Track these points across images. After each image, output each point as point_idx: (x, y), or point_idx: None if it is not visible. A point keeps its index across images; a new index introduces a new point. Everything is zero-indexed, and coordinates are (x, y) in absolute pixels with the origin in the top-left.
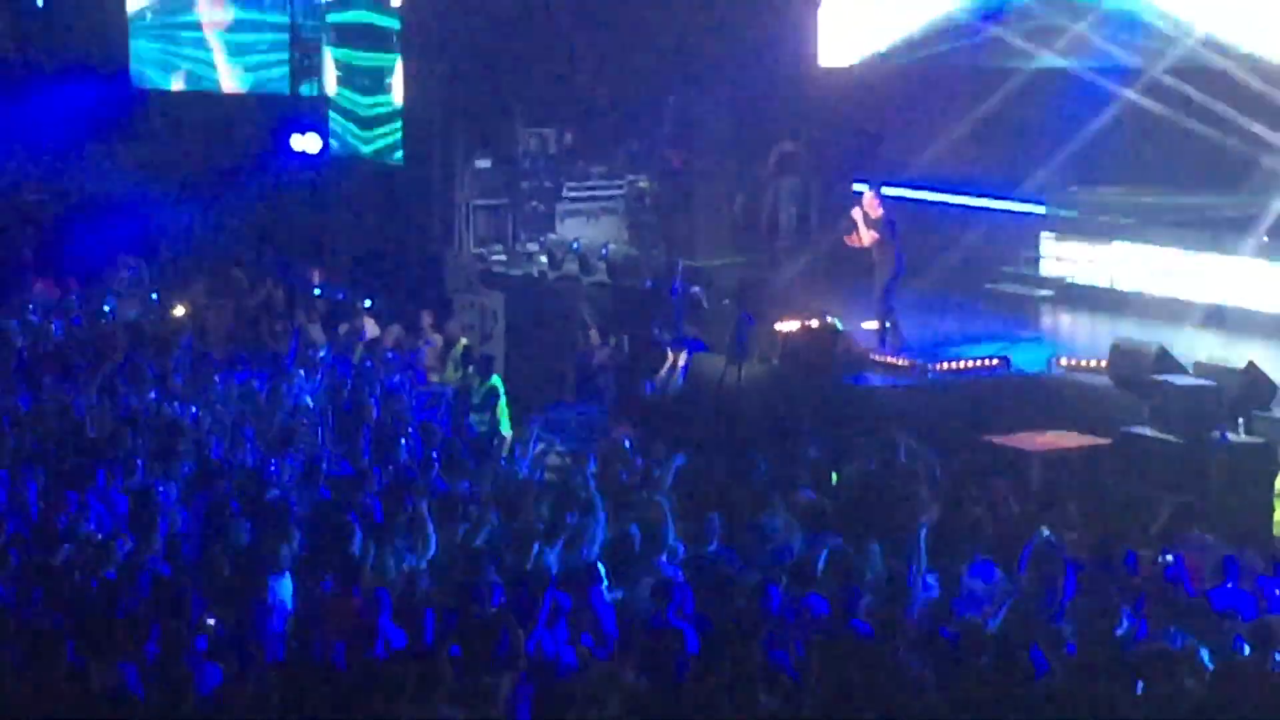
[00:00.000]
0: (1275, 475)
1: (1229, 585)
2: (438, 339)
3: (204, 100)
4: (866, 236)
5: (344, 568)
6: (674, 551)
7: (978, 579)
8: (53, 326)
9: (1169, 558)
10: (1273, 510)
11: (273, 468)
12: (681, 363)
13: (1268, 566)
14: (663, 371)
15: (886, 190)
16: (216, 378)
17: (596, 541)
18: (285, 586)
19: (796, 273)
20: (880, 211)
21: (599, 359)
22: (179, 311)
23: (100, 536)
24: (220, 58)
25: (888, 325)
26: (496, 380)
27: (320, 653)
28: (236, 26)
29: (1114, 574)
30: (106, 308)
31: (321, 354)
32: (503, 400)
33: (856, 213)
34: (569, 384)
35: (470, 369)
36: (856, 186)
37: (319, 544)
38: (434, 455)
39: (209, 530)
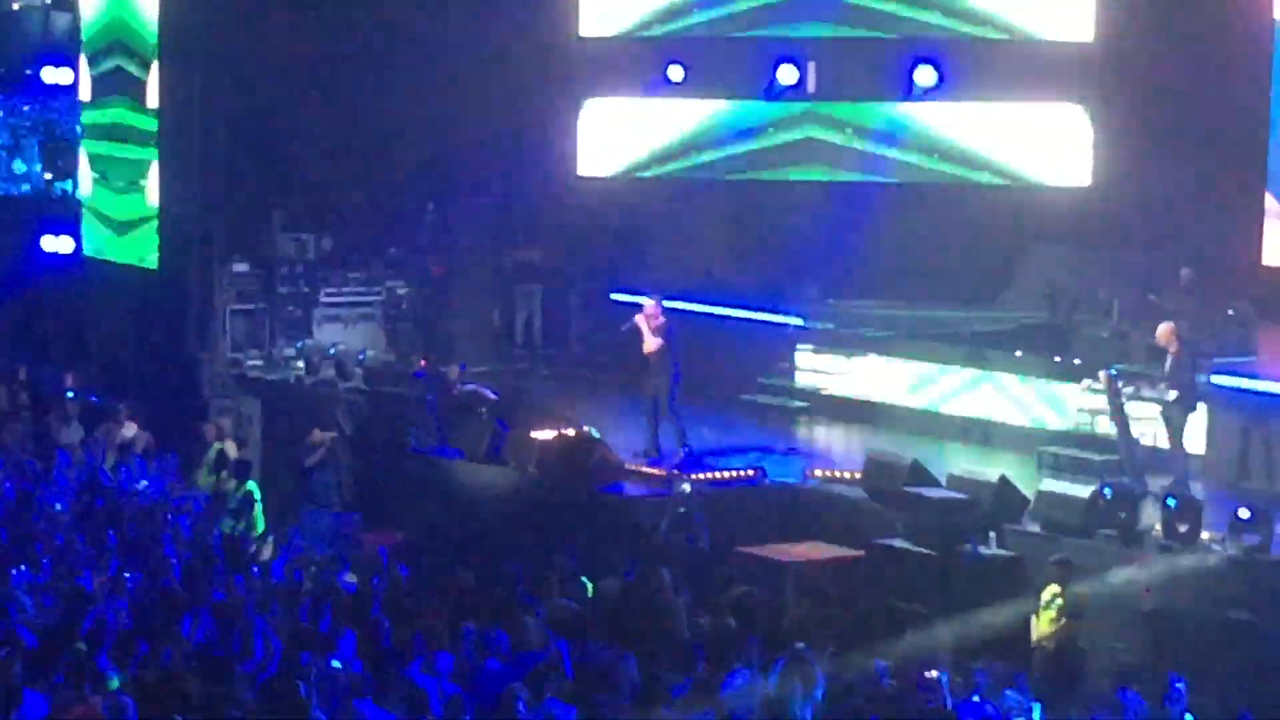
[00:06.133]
0: (1025, 588)
1: (975, 698)
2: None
3: None
4: (650, 343)
5: (91, 676)
6: (429, 661)
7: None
8: None
9: (933, 673)
10: (1031, 620)
11: (15, 575)
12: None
13: (1012, 679)
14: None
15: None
16: None
17: (352, 649)
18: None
19: (553, 380)
20: (661, 319)
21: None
22: None
23: None
24: None
25: (678, 429)
26: (252, 485)
27: None
28: None
29: (865, 684)
30: None
31: (74, 457)
32: (259, 506)
33: (640, 319)
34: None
35: (224, 473)
36: (616, 296)
37: (65, 652)
38: (184, 560)
39: None
